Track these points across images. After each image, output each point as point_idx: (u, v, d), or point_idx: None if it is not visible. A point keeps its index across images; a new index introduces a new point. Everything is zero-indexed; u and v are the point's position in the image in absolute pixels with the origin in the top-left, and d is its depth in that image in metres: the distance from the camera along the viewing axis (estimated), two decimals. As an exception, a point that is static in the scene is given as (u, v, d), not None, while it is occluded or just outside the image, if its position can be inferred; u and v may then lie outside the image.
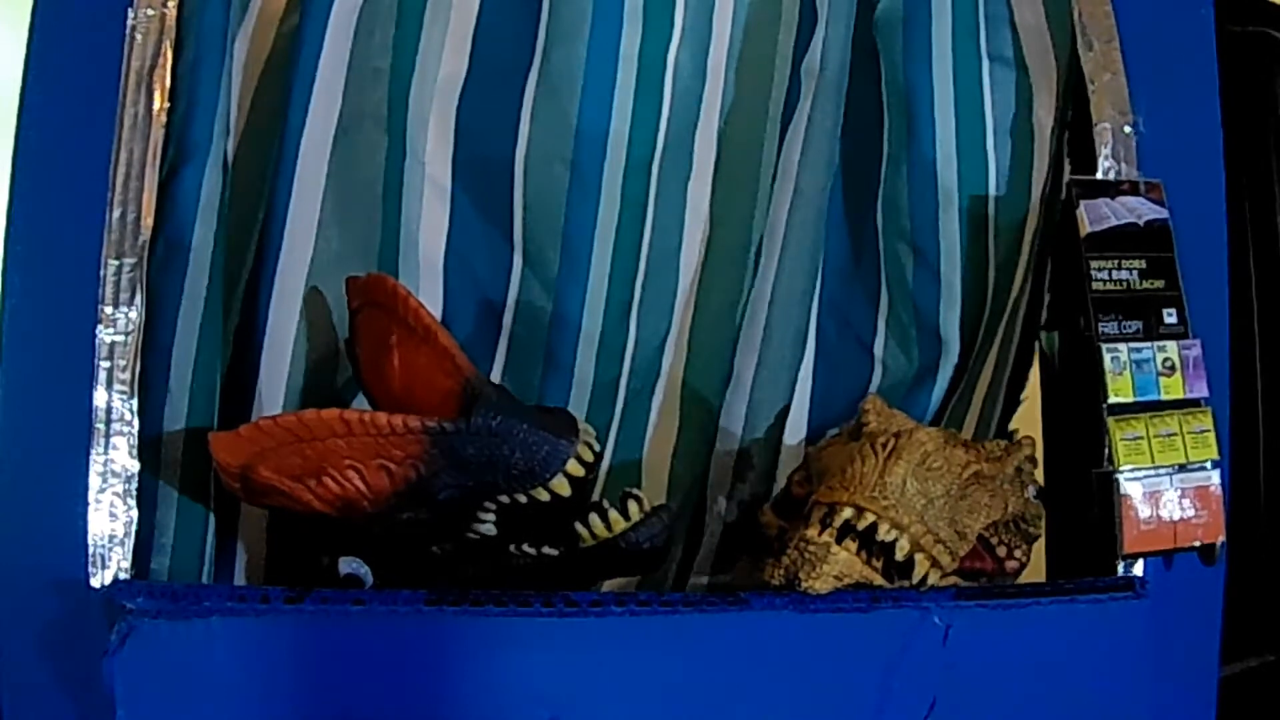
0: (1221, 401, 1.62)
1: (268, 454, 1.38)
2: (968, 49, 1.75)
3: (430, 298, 1.61)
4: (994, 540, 1.54)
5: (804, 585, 1.42)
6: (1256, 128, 2.02)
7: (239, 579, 1.58)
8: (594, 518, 1.41)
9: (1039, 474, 1.61)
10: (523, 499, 1.39)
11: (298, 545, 1.51)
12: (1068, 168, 1.75)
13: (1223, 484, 1.58)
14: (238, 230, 1.56)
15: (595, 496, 1.64)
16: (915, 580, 1.46)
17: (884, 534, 1.43)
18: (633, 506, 1.43)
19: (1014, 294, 1.76)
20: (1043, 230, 1.74)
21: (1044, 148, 1.74)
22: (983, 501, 1.50)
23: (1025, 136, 1.74)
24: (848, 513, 1.44)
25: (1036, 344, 1.78)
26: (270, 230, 1.55)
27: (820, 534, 1.44)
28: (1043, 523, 1.57)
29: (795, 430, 1.75)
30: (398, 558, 1.43)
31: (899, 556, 1.44)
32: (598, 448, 1.43)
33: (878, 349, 1.78)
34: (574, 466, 1.39)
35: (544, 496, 1.38)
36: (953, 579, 1.49)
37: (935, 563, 1.45)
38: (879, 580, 1.45)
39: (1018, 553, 1.56)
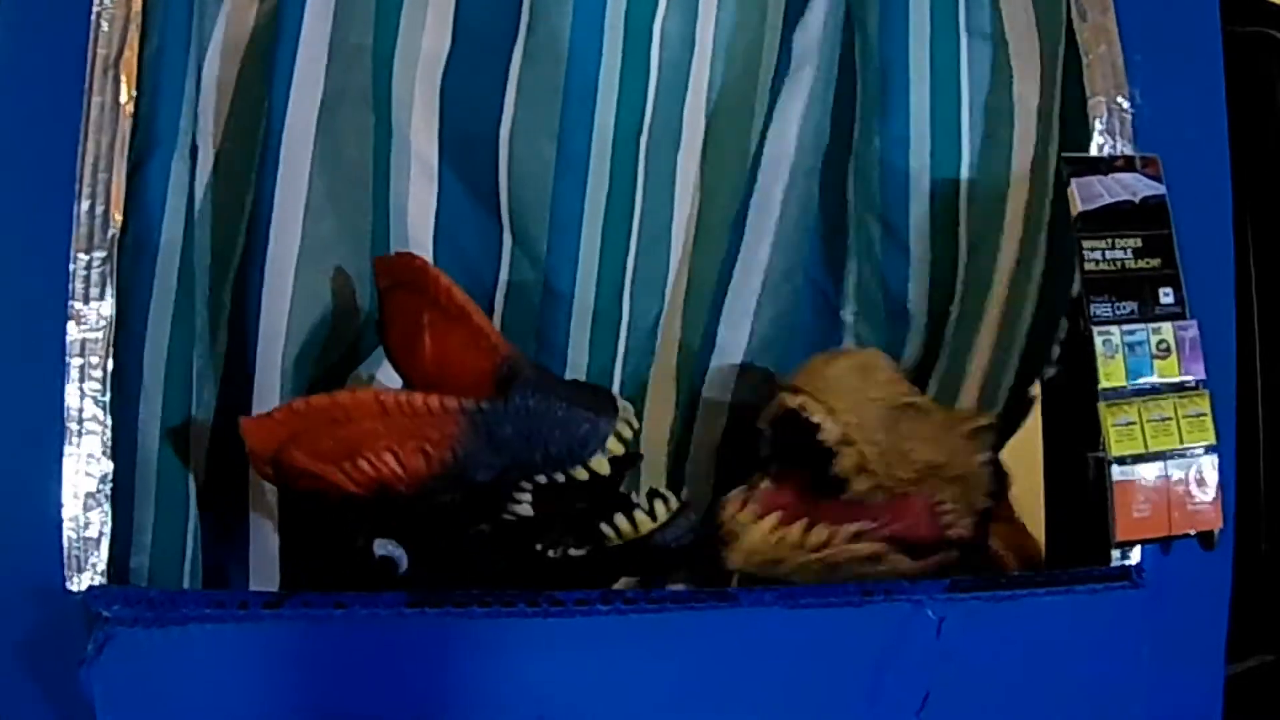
0: (1226, 387, 1.60)
1: (301, 437, 1.37)
2: (946, 23, 1.73)
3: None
4: (939, 503, 1.54)
5: (727, 562, 1.47)
6: (1257, 127, 1.99)
7: (253, 571, 1.58)
8: (620, 518, 1.41)
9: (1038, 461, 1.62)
10: (561, 478, 1.38)
11: (327, 528, 1.48)
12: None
13: (1227, 469, 1.55)
14: (226, 218, 1.54)
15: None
16: (846, 482, 1.48)
17: (813, 414, 1.47)
18: (659, 507, 1.42)
19: (1004, 269, 1.72)
20: (1042, 207, 1.71)
21: (1028, 124, 1.71)
22: (922, 433, 1.52)
23: (1003, 113, 1.72)
24: (783, 397, 1.49)
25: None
26: (258, 215, 1.53)
27: (740, 510, 1.48)
28: (991, 499, 1.57)
29: None
30: (432, 540, 1.41)
31: (824, 439, 1.47)
32: (636, 425, 1.43)
33: (847, 316, 1.77)
34: (613, 444, 1.39)
35: (583, 475, 1.38)
36: (892, 532, 1.51)
37: (865, 466, 1.48)
38: (793, 557, 1.48)
39: (963, 523, 1.54)
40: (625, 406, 1.42)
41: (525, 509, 1.40)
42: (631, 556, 1.42)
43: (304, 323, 1.57)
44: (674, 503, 1.43)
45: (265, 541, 1.57)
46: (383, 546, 1.42)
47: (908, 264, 1.74)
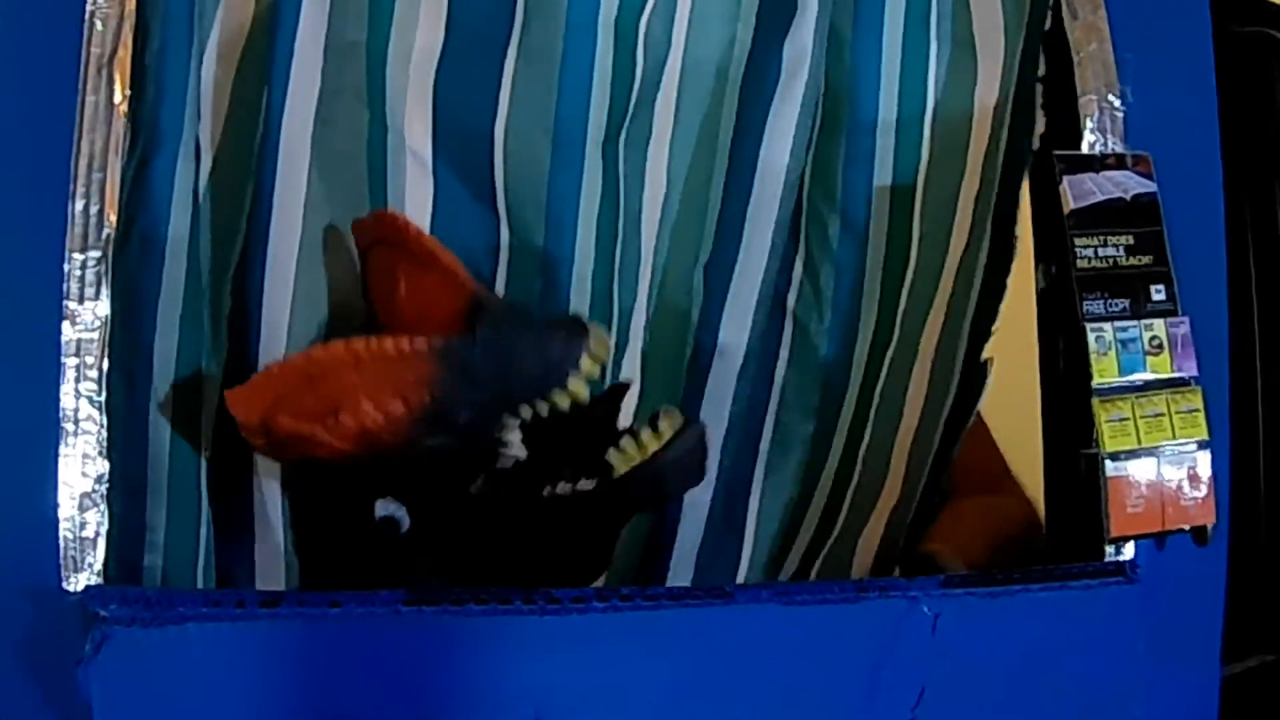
0: (1219, 383, 1.60)
1: (283, 400, 1.36)
2: (918, 28, 1.73)
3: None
4: None
5: None
6: (1256, 127, 1.99)
7: (258, 570, 1.56)
8: (626, 440, 1.39)
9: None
10: (544, 409, 1.36)
11: (329, 493, 1.47)
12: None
13: (1221, 465, 1.56)
14: (224, 218, 1.53)
15: None
16: None
17: None
18: (664, 423, 1.40)
19: (950, 266, 1.74)
20: (988, 201, 1.72)
21: (984, 122, 1.72)
22: None
23: (963, 116, 1.73)
24: None
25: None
26: (258, 213, 1.52)
27: None
28: None
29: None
30: (433, 498, 1.40)
31: None
32: (610, 345, 1.42)
33: (790, 300, 1.77)
34: (587, 364, 1.37)
35: (564, 402, 1.36)
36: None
37: None
38: None
39: None
40: (597, 329, 1.41)
41: (517, 449, 1.38)
42: (642, 483, 1.40)
43: (306, 319, 1.55)
44: (678, 418, 1.41)
45: (270, 541, 1.55)
46: (384, 507, 1.41)
47: (864, 255, 1.75)
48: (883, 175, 1.74)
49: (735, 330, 1.72)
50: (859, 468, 1.79)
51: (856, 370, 1.78)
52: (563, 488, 1.39)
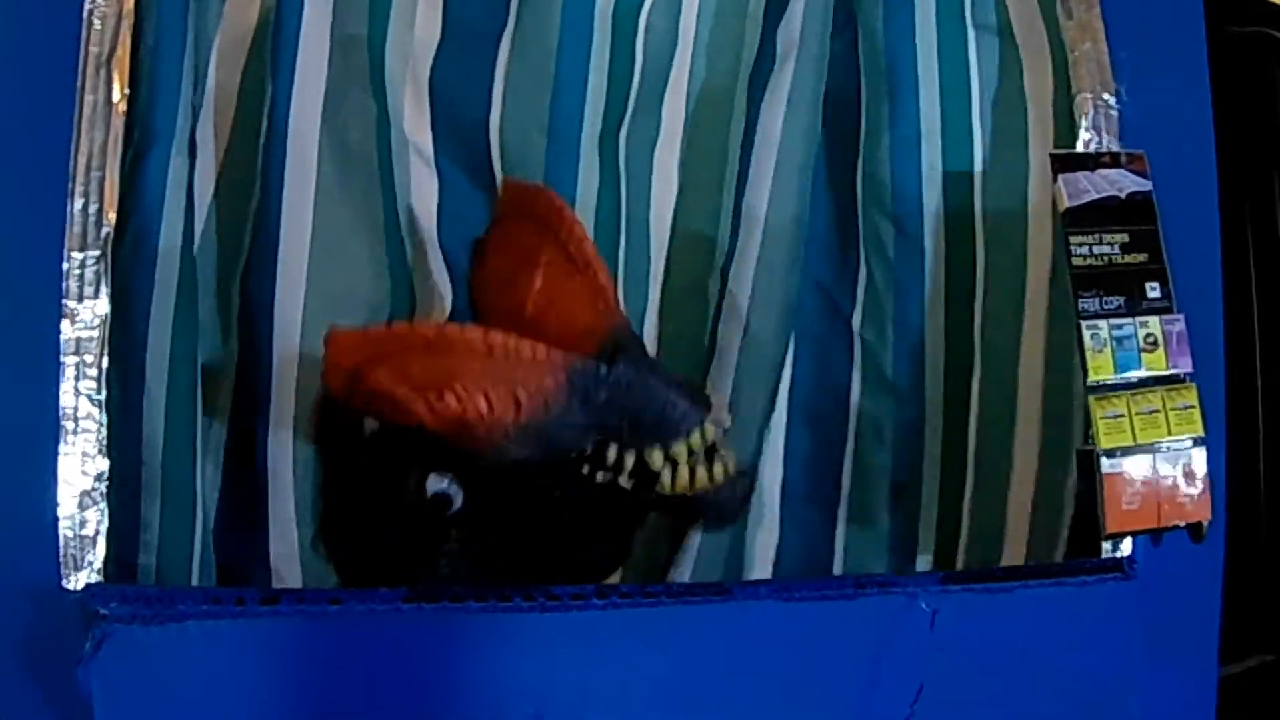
0: (1214, 380, 1.60)
1: (389, 358, 1.33)
2: (952, 18, 1.71)
3: (435, 268, 1.58)
4: None
5: None
6: (1256, 127, 1.99)
7: (274, 569, 1.54)
8: (682, 469, 1.39)
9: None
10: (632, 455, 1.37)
11: (376, 466, 1.46)
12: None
13: (1216, 462, 1.56)
14: (232, 216, 1.54)
15: None
16: None
17: None
18: (718, 468, 1.40)
19: (1039, 265, 1.69)
20: None
21: (1042, 115, 1.69)
22: None
23: (1015, 107, 1.70)
24: None
25: None
26: (267, 208, 1.52)
27: None
28: None
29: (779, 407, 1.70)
30: (486, 481, 1.40)
31: None
32: (727, 423, 1.43)
33: (855, 321, 1.73)
34: (695, 440, 1.37)
35: (657, 462, 1.36)
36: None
37: None
38: None
39: None
40: (720, 405, 1.43)
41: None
42: (677, 508, 1.41)
43: (320, 313, 1.53)
44: (732, 467, 1.42)
45: (285, 539, 1.55)
46: (437, 483, 1.40)
47: (922, 263, 1.71)
48: (932, 175, 1.70)
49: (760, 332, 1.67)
50: (966, 521, 1.70)
51: (934, 394, 1.72)
52: (603, 476, 1.39)
